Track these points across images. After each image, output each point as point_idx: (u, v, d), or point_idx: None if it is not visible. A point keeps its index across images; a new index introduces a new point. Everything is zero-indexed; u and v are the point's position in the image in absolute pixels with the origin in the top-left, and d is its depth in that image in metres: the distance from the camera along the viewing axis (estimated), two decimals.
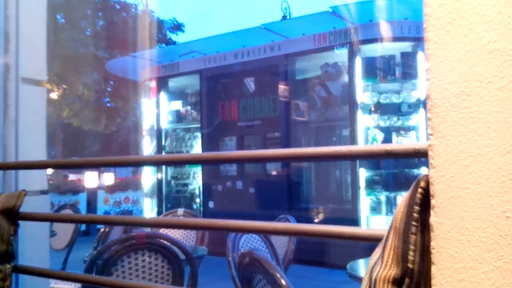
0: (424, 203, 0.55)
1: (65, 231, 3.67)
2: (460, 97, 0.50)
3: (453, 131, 0.50)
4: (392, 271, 0.54)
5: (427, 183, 0.55)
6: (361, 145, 4.53)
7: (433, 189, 0.53)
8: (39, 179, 1.89)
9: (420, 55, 6.14)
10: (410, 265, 0.53)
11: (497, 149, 0.48)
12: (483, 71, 0.49)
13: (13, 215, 1.49)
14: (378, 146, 1.01)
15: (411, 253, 0.54)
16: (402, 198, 0.58)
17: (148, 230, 2.54)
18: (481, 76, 0.49)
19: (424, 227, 0.54)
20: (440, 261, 0.51)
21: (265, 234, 1.20)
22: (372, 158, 1.24)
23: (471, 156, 0.49)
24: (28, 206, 1.55)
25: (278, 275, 1.77)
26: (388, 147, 0.98)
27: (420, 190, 0.55)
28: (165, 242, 2.29)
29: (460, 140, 0.50)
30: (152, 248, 2.24)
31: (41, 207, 1.83)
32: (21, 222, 1.55)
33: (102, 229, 3.35)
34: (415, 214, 0.55)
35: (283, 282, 1.74)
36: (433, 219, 0.53)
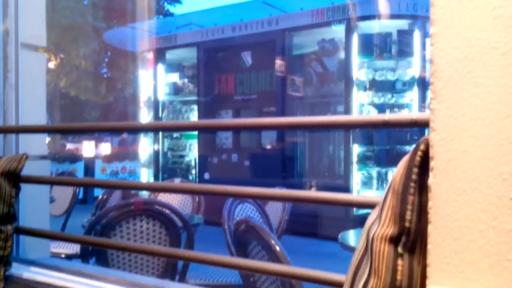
0: (422, 166, 0.58)
1: (64, 197, 3.71)
2: (463, 62, 0.52)
3: (455, 95, 0.53)
4: (390, 230, 0.58)
5: (427, 146, 0.58)
6: (359, 115, 4.56)
7: (432, 152, 0.56)
8: (39, 144, 1.91)
9: (416, 33, 6.12)
10: (407, 224, 0.57)
11: (497, 113, 0.50)
12: (487, 36, 0.51)
13: (15, 178, 1.52)
14: (377, 116, 1.04)
15: (408, 212, 0.57)
16: (401, 161, 0.61)
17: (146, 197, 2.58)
18: (485, 42, 0.51)
19: (422, 189, 0.57)
20: (436, 220, 0.55)
21: (262, 199, 1.24)
22: (369, 128, 1.27)
23: (472, 119, 0.52)
24: (28, 170, 1.57)
25: (273, 242, 1.82)
26: (386, 117, 1.01)
27: (419, 153, 0.58)
28: (162, 209, 2.33)
29: (462, 104, 0.52)
30: (150, 214, 2.28)
31: (41, 172, 1.84)
32: (22, 186, 1.58)
33: (100, 196, 3.39)
34: (413, 176, 0.57)
35: (277, 248, 1.79)
36: (431, 180, 0.55)
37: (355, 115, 4.96)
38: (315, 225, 6.03)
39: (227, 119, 1.38)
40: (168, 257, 1.96)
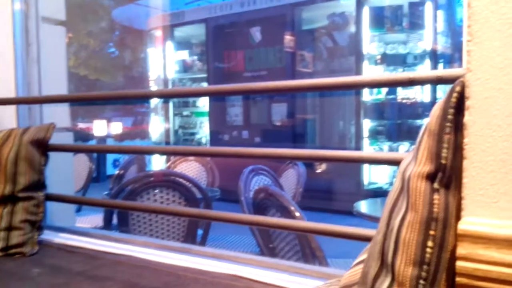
0: (458, 106, 0.61)
1: (79, 175, 3.78)
2: (499, 4, 0.55)
3: (491, 36, 0.55)
4: (426, 168, 0.61)
5: (462, 88, 0.60)
6: (384, 74, 4.53)
7: (468, 92, 0.58)
8: (61, 116, 1.95)
9: (428, 5, 6.04)
10: (443, 161, 0.60)
11: None
12: None
13: (43, 146, 1.57)
14: (401, 74, 1.06)
15: (444, 150, 0.60)
16: (436, 104, 0.64)
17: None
18: None
19: (457, 128, 0.60)
20: (472, 156, 0.58)
21: (281, 159, 1.27)
22: (395, 86, 1.29)
23: (507, 59, 0.55)
24: (52, 141, 1.62)
25: (292, 208, 1.87)
26: (411, 74, 1.03)
27: (455, 94, 0.61)
28: (181, 180, 2.38)
29: (497, 45, 0.55)
30: (170, 185, 2.33)
31: (65, 142, 1.90)
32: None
33: (117, 172, 3.46)
34: (449, 116, 0.60)
35: (297, 214, 1.84)
36: (467, 118, 0.59)
37: (380, 74, 4.92)
38: (327, 200, 6.09)
39: (237, 84, 1.40)
40: (193, 217, 2.02)
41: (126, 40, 12.94)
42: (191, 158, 3.69)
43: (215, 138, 7.57)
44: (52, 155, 1.62)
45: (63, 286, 1.15)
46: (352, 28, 6.41)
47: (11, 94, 1.80)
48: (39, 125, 1.61)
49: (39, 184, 1.55)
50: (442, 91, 5.61)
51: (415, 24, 6.09)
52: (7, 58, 1.78)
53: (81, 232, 1.67)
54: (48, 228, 1.68)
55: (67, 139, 1.97)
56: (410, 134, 5.90)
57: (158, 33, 8.15)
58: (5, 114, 1.80)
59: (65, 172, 1.93)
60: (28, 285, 1.16)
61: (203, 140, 8.03)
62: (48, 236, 1.61)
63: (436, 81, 1.00)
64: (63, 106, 2.01)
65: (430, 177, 0.60)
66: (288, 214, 1.88)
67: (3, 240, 1.42)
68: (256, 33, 7.14)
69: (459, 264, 0.55)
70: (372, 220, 2.59)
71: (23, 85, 1.83)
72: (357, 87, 1.08)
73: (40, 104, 1.85)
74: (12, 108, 1.82)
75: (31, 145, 1.53)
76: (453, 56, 6.29)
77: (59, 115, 1.96)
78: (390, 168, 5.94)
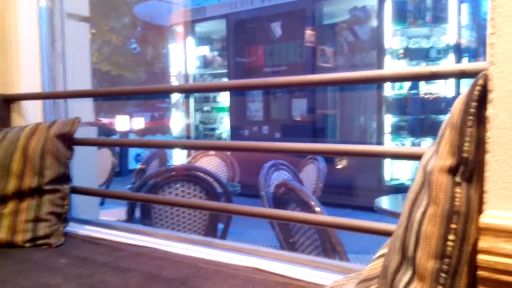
0: (480, 100, 0.60)
1: (102, 169, 3.85)
2: None
3: None
4: (448, 161, 0.61)
5: (485, 81, 0.60)
6: (406, 67, 4.47)
7: (491, 85, 0.58)
8: (86, 111, 2.00)
9: None
10: (465, 155, 0.59)
11: None
12: None
13: (69, 140, 1.61)
14: (424, 67, 1.05)
15: (466, 144, 0.60)
16: (458, 98, 0.64)
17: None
18: None
19: (480, 122, 0.60)
20: (494, 149, 0.57)
21: (301, 153, 1.27)
22: (417, 80, 1.28)
23: None
24: (77, 135, 1.66)
25: (313, 203, 1.87)
26: (433, 68, 1.02)
27: (478, 87, 0.60)
28: (203, 174, 2.41)
29: None
30: (191, 179, 2.36)
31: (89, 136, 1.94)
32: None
33: (139, 166, 3.51)
34: (472, 110, 0.60)
35: (318, 209, 1.84)
36: (490, 111, 0.58)
37: (402, 68, 4.85)
38: (347, 196, 6.06)
39: (257, 79, 1.40)
40: (213, 210, 2.04)
41: (148, 36, 13.07)
42: (212, 153, 3.72)
43: (235, 133, 7.60)
44: (77, 149, 1.66)
45: (88, 277, 1.18)
46: (374, 22, 6.34)
47: (37, 89, 1.84)
48: (65, 120, 1.65)
49: (64, 177, 1.59)
50: (466, 85, 5.50)
51: (439, 17, 5.99)
52: (34, 54, 1.83)
53: (104, 225, 1.70)
54: (73, 220, 1.73)
55: (91, 133, 2.01)
56: (433, 129, 5.81)
57: (180, 28, 8.21)
58: (31, 109, 1.85)
59: (89, 166, 1.97)
60: (55, 275, 1.19)
61: (224, 135, 8.07)
62: (73, 228, 1.65)
63: (459, 75, 0.99)
64: (87, 101, 2.05)
65: (452, 171, 0.60)
66: (308, 209, 1.88)
67: (31, 231, 1.46)
68: (277, 28, 7.13)
69: (481, 257, 0.55)
70: (394, 216, 2.56)
71: (49, 80, 1.87)
72: (379, 81, 1.08)
73: (65, 99, 1.89)
74: (38, 103, 1.86)
75: (57, 139, 1.57)
76: (478, 50, 6.16)
77: (84, 110, 2.00)
78: (412, 164, 5.87)
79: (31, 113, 1.86)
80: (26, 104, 1.85)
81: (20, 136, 1.56)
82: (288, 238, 2.19)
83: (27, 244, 1.44)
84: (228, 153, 3.94)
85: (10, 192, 1.49)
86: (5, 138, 1.57)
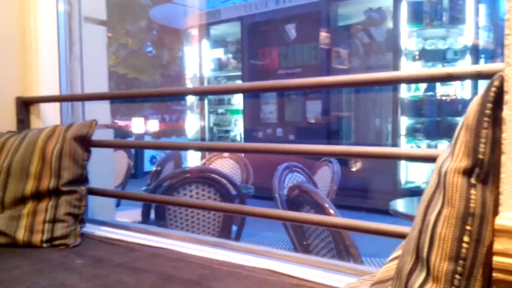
0: (496, 101, 0.60)
1: (119, 171, 3.89)
2: None
3: None
4: (463, 163, 0.60)
5: (501, 82, 0.59)
6: (421, 69, 4.43)
7: (507, 86, 0.57)
8: (103, 114, 2.03)
9: None
10: (480, 156, 0.59)
11: None
12: None
13: (86, 142, 1.63)
14: (440, 69, 1.04)
15: (482, 145, 0.59)
16: (474, 99, 0.63)
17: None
18: None
19: (495, 123, 0.59)
20: (510, 151, 0.57)
21: (315, 155, 1.27)
22: (433, 81, 1.27)
23: None
24: (94, 138, 1.68)
25: (327, 205, 1.86)
26: (449, 70, 1.02)
27: (493, 88, 0.60)
28: (217, 177, 2.42)
29: None
30: (206, 181, 2.38)
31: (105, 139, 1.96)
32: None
33: (154, 168, 3.54)
34: (487, 111, 0.60)
35: (331, 211, 1.84)
36: (506, 113, 0.58)
37: (418, 70, 4.81)
38: (362, 198, 6.01)
39: (271, 81, 1.40)
40: (227, 212, 2.05)
41: (163, 39, 13.19)
42: (226, 155, 3.73)
43: (249, 135, 7.61)
44: (94, 151, 1.68)
45: (104, 277, 1.19)
46: (390, 24, 6.30)
47: (55, 92, 1.88)
48: (82, 122, 1.68)
49: (81, 179, 1.61)
50: (484, 87, 5.41)
51: (456, 18, 5.92)
52: (52, 57, 1.86)
53: (120, 226, 1.72)
54: (90, 221, 1.75)
55: (108, 135, 2.04)
56: (449, 131, 5.74)
57: (194, 31, 8.27)
58: (49, 111, 1.88)
59: (106, 168, 2.00)
60: (72, 276, 1.21)
61: (238, 138, 8.10)
62: (90, 229, 1.67)
63: (475, 76, 0.98)
64: (104, 103, 2.08)
65: (467, 172, 0.60)
66: (322, 211, 1.87)
67: (49, 231, 1.49)
68: (291, 30, 7.13)
69: (496, 259, 0.55)
70: (409, 219, 2.54)
71: (67, 83, 1.91)
72: (394, 83, 1.07)
73: (82, 101, 1.92)
74: (56, 105, 1.90)
75: (74, 141, 1.60)
76: (496, 52, 6.07)
77: (100, 112, 2.03)
78: (428, 167, 5.81)
79: (49, 116, 1.89)
80: (44, 106, 1.88)
81: (39, 138, 1.59)
82: (302, 240, 2.19)
83: (45, 244, 1.47)
84: (242, 155, 3.95)
85: (28, 193, 1.52)
86: (24, 140, 1.60)
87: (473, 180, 0.59)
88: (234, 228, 2.59)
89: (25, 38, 1.84)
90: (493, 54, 6.06)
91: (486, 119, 0.59)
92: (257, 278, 1.15)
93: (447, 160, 0.64)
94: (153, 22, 11.86)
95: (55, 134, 1.60)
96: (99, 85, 1.99)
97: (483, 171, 0.59)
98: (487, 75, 0.94)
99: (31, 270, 1.25)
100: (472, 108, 0.62)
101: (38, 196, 1.52)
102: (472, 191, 0.58)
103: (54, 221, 1.50)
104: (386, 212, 2.82)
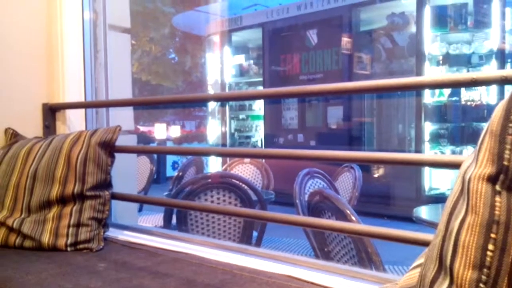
0: None
1: (141, 176, 3.95)
2: None
3: None
4: (487, 170, 0.59)
5: None
6: (445, 74, 4.37)
7: None
8: (126, 120, 2.06)
9: (495, 2, 5.75)
10: (505, 163, 0.58)
11: None
12: None
13: (110, 148, 1.66)
14: (464, 74, 1.02)
15: (507, 152, 0.58)
16: (499, 105, 0.62)
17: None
18: None
19: None
20: None
21: (335, 161, 1.26)
22: (457, 87, 1.25)
23: None
24: (117, 143, 1.71)
25: (348, 212, 1.84)
26: (474, 75, 1.00)
27: None
28: (238, 182, 2.43)
29: None
30: (226, 187, 2.39)
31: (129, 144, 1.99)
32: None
33: (176, 173, 3.58)
34: None
35: (353, 218, 1.82)
36: None
37: (441, 74, 4.74)
38: (385, 205, 5.94)
39: (292, 87, 1.39)
40: (248, 217, 2.05)
41: (186, 46, 13.34)
42: (247, 160, 3.74)
43: (270, 141, 7.62)
44: (117, 156, 1.70)
45: (127, 281, 1.21)
46: (413, 28, 6.24)
47: (80, 98, 1.92)
48: (106, 128, 1.70)
49: (105, 184, 1.63)
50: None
51: (481, 22, 5.82)
52: (78, 64, 1.90)
53: (143, 230, 1.74)
54: (113, 226, 1.77)
55: (131, 141, 2.07)
56: (474, 137, 5.63)
57: (216, 38, 8.35)
58: (75, 117, 1.92)
59: (129, 173, 2.03)
60: (95, 279, 1.23)
61: (258, 143, 8.11)
62: (113, 233, 1.69)
63: (501, 81, 0.96)
64: (127, 110, 2.11)
65: (492, 179, 0.58)
66: (344, 218, 1.86)
67: (73, 235, 1.51)
68: (313, 36, 7.12)
69: None
70: (433, 226, 2.50)
71: (92, 89, 1.95)
72: (417, 88, 1.06)
73: (106, 107, 1.95)
74: (81, 112, 1.94)
75: (99, 146, 1.62)
76: None
77: (124, 118, 2.06)
78: (452, 173, 5.70)
79: (74, 121, 1.93)
80: (70, 112, 1.92)
81: (64, 144, 1.62)
82: (323, 247, 2.17)
83: (69, 248, 1.49)
84: (263, 161, 3.96)
85: (54, 198, 1.55)
86: (50, 145, 1.64)
87: (498, 187, 0.58)
88: (255, 234, 2.59)
89: (52, 46, 1.89)
90: None
91: (511, 125, 0.58)
92: (278, 284, 1.15)
93: (471, 166, 0.63)
94: (176, 29, 12.03)
95: (80, 139, 1.63)
96: (123, 91, 2.02)
97: (508, 177, 0.58)
98: None
99: (56, 273, 1.27)
100: (497, 114, 0.61)
101: (63, 200, 1.55)
102: (497, 198, 0.57)
103: (78, 225, 1.53)
104: (410, 220, 2.78)
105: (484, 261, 0.55)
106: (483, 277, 0.55)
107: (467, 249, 0.57)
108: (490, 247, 0.55)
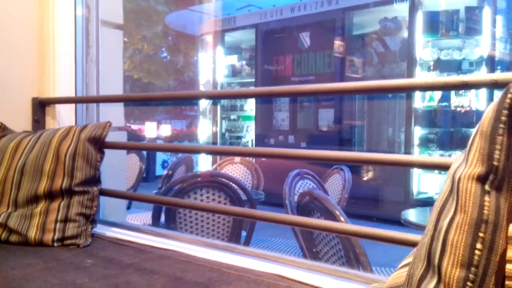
0: (511, 108, 0.59)
1: (130, 174, 3.92)
2: None
3: None
4: (477, 169, 0.60)
5: None
6: (436, 77, 4.39)
7: None
8: (117, 116, 2.04)
9: (486, 10, 5.81)
10: (495, 163, 0.58)
11: None
12: None
13: (100, 144, 1.64)
14: (455, 77, 1.03)
15: (497, 152, 0.58)
16: (489, 106, 0.63)
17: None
18: None
19: (511, 130, 0.59)
20: None
21: (325, 161, 1.26)
22: (448, 90, 1.26)
23: None
24: (107, 139, 1.70)
25: (337, 212, 1.85)
26: (465, 78, 1.01)
27: (509, 95, 0.59)
28: (228, 181, 2.42)
29: None
30: (216, 186, 2.38)
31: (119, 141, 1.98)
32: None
33: (166, 172, 3.56)
34: (503, 118, 0.59)
35: (342, 218, 1.83)
36: None
37: (432, 78, 4.79)
38: (373, 207, 5.97)
39: (284, 86, 1.39)
40: (237, 215, 2.05)
41: (178, 45, 13.31)
42: (237, 160, 3.74)
43: (261, 142, 7.62)
44: (107, 152, 1.69)
45: (114, 277, 1.20)
46: (405, 33, 6.28)
47: (71, 93, 1.90)
48: (96, 123, 1.69)
49: (94, 179, 1.62)
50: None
51: (472, 29, 5.88)
52: (69, 59, 1.89)
53: (131, 227, 1.73)
54: (101, 222, 1.76)
55: (121, 137, 2.06)
56: (463, 142, 5.69)
57: (209, 38, 8.34)
58: (65, 112, 1.91)
59: (118, 170, 2.01)
60: (82, 275, 1.22)
61: (249, 144, 8.12)
62: (101, 230, 1.68)
63: (491, 85, 0.97)
64: (118, 106, 2.10)
65: (481, 179, 0.59)
66: (333, 219, 1.86)
67: (60, 231, 1.50)
68: (306, 38, 7.14)
69: (509, 267, 0.54)
70: (421, 229, 2.51)
71: (82, 85, 1.93)
72: (409, 90, 1.06)
73: (97, 103, 1.94)
74: (71, 107, 1.92)
75: (88, 142, 1.61)
76: None
77: (115, 114, 2.05)
78: (441, 178, 5.75)
79: (64, 117, 1.92)
80: (60, 107, 1.91)
81: (53, 138, 1.61)
82: (311, 247, 2.17)
83: (56, 244, 1.48)
84: (253, 161, 3.96)
85: (41, 192, 1.54)
86: (39, 139, 1.62)
87: (487, 187, 0.58)
88: (244, 233, 2.59)
89: (43, 40, 1.87)
90: (510, 65, 6.00)
91: (501, 125, 0.59)
92: (266, 282, 1.15)
93: (461, 166, 0.64)
94: (169, 28, 11.99)
95: (69, 134, 1.62)
96: (114, 88, 2.01)
97: (497, 178, 0.58)
98: (503, 84, 0.93)
99: (42, 268, 1.26)
100: (487, 115, 0.61)
101: (51, 195, 1.54)
102: (486, 198, 0.58)
103: (65, 220, 1.51)
104: (398, 222, 2.79)
105: (472, 259, 0.56)
106: (471, 276, 0.55)
107: (455, 247, 0.57)
108: (478, 246, 0.56)
